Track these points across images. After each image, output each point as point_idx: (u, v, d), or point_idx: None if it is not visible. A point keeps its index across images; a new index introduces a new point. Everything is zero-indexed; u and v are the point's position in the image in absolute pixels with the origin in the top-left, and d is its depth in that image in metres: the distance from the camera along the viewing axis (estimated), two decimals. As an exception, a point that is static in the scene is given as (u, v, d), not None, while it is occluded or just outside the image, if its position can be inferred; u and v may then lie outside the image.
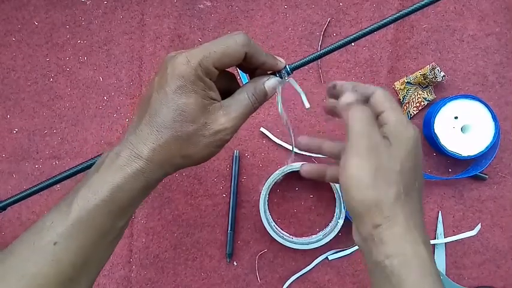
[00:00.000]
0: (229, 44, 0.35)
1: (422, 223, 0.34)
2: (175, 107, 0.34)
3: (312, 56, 0.39)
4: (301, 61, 0.39)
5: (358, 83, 0.38)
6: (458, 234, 0.60)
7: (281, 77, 0.39)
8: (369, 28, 0.38)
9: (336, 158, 0.42)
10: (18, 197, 0.46)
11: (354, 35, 0.38)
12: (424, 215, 0.35)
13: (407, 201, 0.33)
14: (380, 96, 0.36)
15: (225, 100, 0.37)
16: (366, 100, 0.38)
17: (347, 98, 0.36)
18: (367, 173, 0.33)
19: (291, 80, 0.39)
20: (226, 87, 0.39)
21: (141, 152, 0.34)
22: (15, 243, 0.35)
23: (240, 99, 0.37)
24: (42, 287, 0.33)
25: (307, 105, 0.41)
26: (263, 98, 0.38)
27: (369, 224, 0.33)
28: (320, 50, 0.39)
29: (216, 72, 0.35)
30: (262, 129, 0.61)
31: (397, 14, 0.37)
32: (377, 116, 0.36)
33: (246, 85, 0.37)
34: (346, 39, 0.38)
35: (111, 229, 0.35)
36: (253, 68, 0.38)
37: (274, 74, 0.39)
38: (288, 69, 0.39)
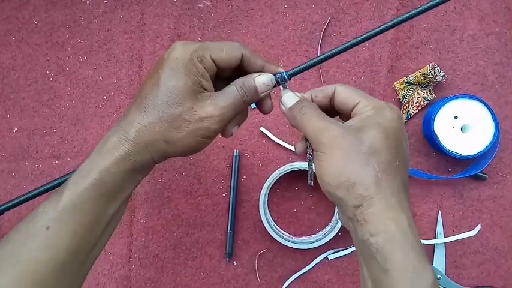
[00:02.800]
0: (226, 43, 0.37)
1: (406, 199, 0.34)
2: (164, 88, 0.35)
3: (310, 62, 0.38)
4: (299, 67, 0.38)
5: (314, 89, 0.39)
6: (458, 234, 0.60)
7: (278, 84, 0.38)
8: (370, 32, 0.37)
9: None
10: (15, 202, 0.46)
11: (356, 40, 0.37)
12: (409, 192, 0.35)
13: (387, 179, 0.33)
14: (344, 91, 0.37)
15: (215, 92, 0.37)
16: (330, 101, 0.38)
17: (286, 102, 0.37)
18: (335, 160, 0.33)
19: (285, 91, 0.39)
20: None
21: (128, 134, 0.35)
22: (11, 231, 0.36)
23: (229, 91, 0.37)
24: (36, 273, 0.33)
25: None
26: (253, 92, 0.37)
27: (350, 206, 0.33)
28: (319, 55, 0.38)
29: (211, 64, 0.36)
30: (262, 128, 0.61)
31: (398, 19, 0.37)
32: (351, 109, 0.37)
33: (237, 79, 0.38)
34: (346, 44, 0.37)
35: (102, 214, 0.36)
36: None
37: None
38: (285, 76, 0.38)
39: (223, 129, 0.38)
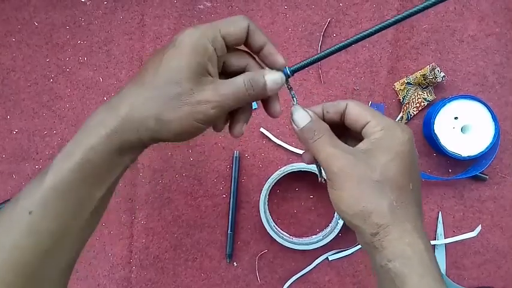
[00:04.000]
0: (232, 17, 0.35)
1: (420, 221, 0.34)
2: (166, 66, 0.33)
3: (313, 58, 0.37)
4: (302, 63, 0.37)
5: (326, 103, 0.38)
6: (458, 234, 0.60)
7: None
8: (371, 30, 0.37)
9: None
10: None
11: (358, 36, 0.37)
12: (423, 215, 0.35)
13: (402, 206, 0.33)
14: (356, 108, 0.36)
15: (220, 79, 0.36)
16: (340, 117, 0.37)
17: (298, 122, 0.37)
18: (348, 190, 0.33)
19: (296, 107, 0.38)
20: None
21: (117, 109, 0.33)
22: None
23: (234, 81, 0.35)
24: (20, 260, 0.32)
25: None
26: (260, 89, 0.36)
27: (367, 233, 0.33)
28: (321, 52, 0.38)
29: (222, 43, 0.35)
30: (262, 129, 0.61)
31: (398, 17, 0.36)
32: (361, 127, 0.36)
33: (247, 72, 0.36)
34: (349, 40, 0.37)
35: (88, 198, 0.34)
36: (256, 50, 0.37)
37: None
38: (288, 72, 0.37)
39: (232, 128, 0.38)
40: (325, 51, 0.37)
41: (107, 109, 0.34)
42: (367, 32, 0.36)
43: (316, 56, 0.37)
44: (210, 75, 0.35)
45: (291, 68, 0.37)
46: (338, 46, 0.37)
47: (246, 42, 0.36)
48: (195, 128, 0.35)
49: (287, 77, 0.37)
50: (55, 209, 0.33)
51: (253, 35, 0.36)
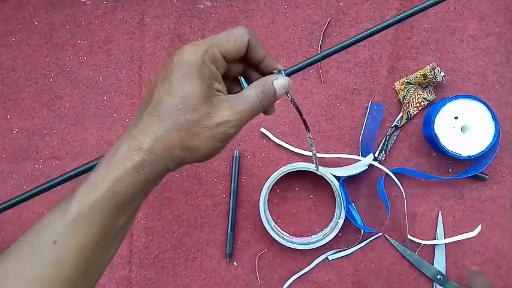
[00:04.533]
0: (233, 31, 0.35)
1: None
2: (179, 94, 0.33)
3: (309, 61, 0.38)
4: (297, 66, 0.38)
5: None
6: (458, 234, 0.60)
7: None
8: (369, 31, 0.37)
9: None
10: (7, 204, 0.46)
11: (354, 38, 0.37)
12: None
13: None
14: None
15: (231, 95, 0.36)
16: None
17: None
18: None
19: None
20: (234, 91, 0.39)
21: (141, 144, 0.33)
22: (14, 244, 0.33)
23: (247, 95, 0.35)
24: None
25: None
26: (272, 96, 0.36)
27: None
28: (319, 53, 0.38)
29: (222, 61, 0.35)
30: (262, 129, 0.61)
31: (397, 17, 0.36)
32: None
33: (254, 83, 0.36)
34: (345, 43, 0.37)
35: (111, 227, 0.34)
36: (254, 63, 0.37)
37: None
38: (284, 75, 0.37)
39: (267, 112, 0.38)
40: (321, 54, 0.37)
41: (128, 143, 0.33)
42: (360, 35, 0.36)
43: (311, 59, 0.38)
44: (219, 91, 0.35)
45: (286, 71, 0.38)
46: (327, 52, 0.37)
47: (245, 55, 0.36)
48: (218, 149, 0.36)
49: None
50: (79, 238, 0.33)
51: (253, 49, 0.36)
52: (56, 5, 0.62)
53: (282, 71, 0.37)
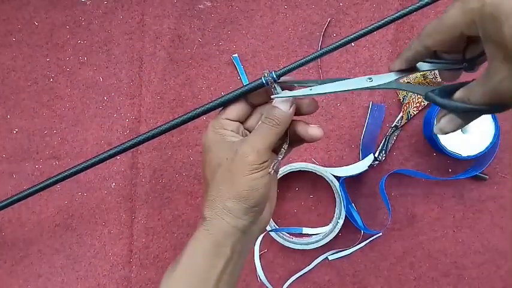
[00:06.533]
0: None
1: None
2: (209, 161, 0.38)
3: (298, 62, 0.38)
4: (287, 67, 0.37)
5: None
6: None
7: (267, 84, 0.37)
8: (366, 29, 0.37)
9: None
10: (9, 201, 0.46)
11: (347, 39, 0.37)
12: None
13: None
14: None
15: (248, 136, 0.38)
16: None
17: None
18: None
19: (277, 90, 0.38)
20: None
21: (204, 215, 0.37)
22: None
23: (260, 130, 0.37)
24: None
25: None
26: (280, 116, 0.37)
27: None
28: (312, 53, 0.38)
29: (230, 122, 0.39)
30: (262, 129, 0.61)
31: (394, 15, 0.37)
32: None
33: (262, 116, 0.39)
34: (338, 43, 0.37)
35: None
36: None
37: (263, 85, 0.38)
38: (274, 76, 0.37)
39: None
40: (314, 54, 0.38)
41: (199, 225, 0.38)
42: (359, 33, 0.37)
43: (304, 59, 0.37)
44: (236, 137, 0.39)
45: (277, 72, 0.37)
46: (321, 51, 0.37)
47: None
48: (261, 183, 0.37)
49: (274, 81, 0.37)
50: None
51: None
52: (56, 5, 0.62)
53: (273, 72, 0.37)
